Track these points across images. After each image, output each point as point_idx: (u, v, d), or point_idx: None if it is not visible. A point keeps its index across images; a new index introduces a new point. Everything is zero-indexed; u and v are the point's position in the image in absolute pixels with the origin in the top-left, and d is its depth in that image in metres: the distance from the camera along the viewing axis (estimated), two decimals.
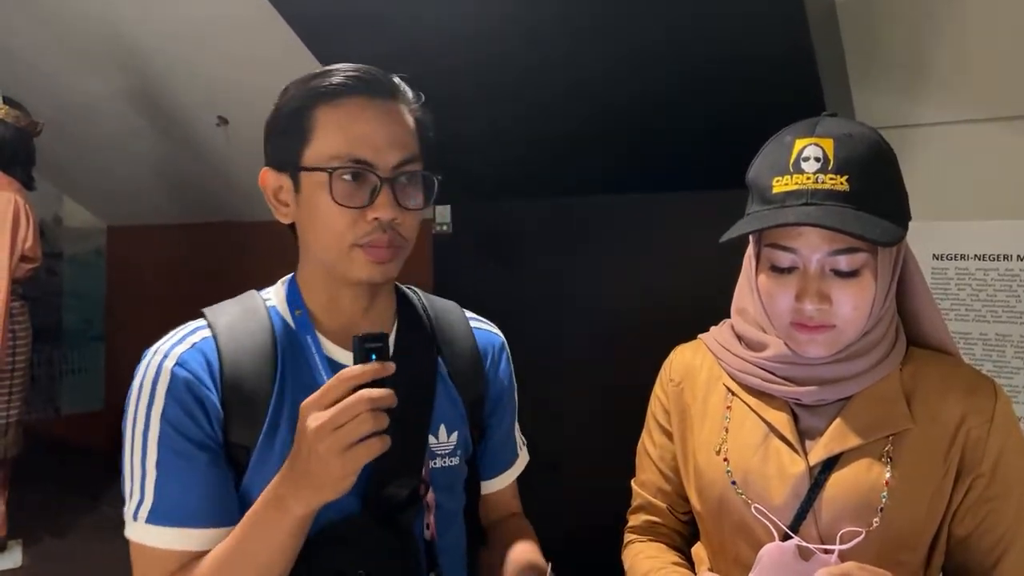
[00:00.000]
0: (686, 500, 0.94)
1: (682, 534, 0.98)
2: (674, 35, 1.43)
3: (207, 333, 0.80)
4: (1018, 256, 1.48)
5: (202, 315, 0.83)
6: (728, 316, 0.95)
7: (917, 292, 0.86)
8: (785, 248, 0.79)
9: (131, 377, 0.78)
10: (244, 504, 0.77)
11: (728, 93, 1.50)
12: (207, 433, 0.76)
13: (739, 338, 0.90)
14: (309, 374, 0.80)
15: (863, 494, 0.78)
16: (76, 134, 3.34)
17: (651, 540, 0.97)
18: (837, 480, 0.79)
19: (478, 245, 1.94)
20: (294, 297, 0.85)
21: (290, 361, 0.81)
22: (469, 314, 0.98)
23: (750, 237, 0.87)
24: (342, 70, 0.80)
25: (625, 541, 1.01)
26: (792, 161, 0.79)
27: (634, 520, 1.00)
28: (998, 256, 1.49)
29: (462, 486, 0.91)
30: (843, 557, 0.76)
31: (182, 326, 0.82)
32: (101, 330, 4.35)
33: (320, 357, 0.81)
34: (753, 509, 0.82)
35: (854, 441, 0.79)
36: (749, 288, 0.88)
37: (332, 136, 0.78)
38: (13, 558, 2.72)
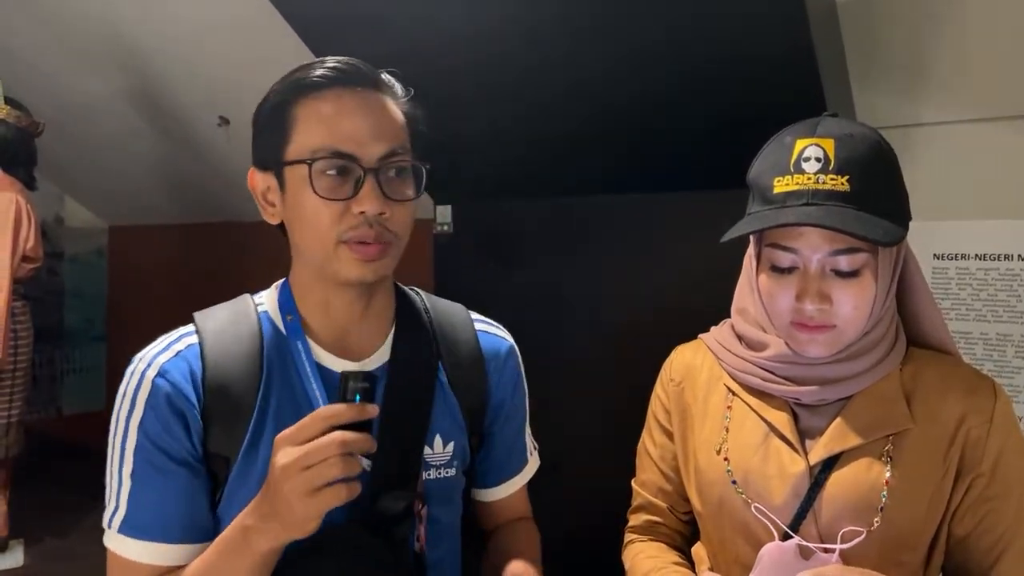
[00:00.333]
0: (686, 500, 0.94)
1: (682, 534, 0.98)
2: (674, 35, 1.43)
3: (193, 340, 0.78)
4: (1019, 256, 1.47)
5: (193, 320, 0.81)
6: (728, 316, 0.95)
7: (917, 292, 0.86)
8: (786, 248, 0.80)
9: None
10: (223, 516, 0.76)
11: (728, 93, 1.50)
12: (185, 447, 0.74)
13: (739, 338, 0.90)
14: (298, 382, 0.78)
15: (863, 494, 0.78)
16: (77, 134, 3.34)
17: (651, 540, 0.97)
18: (837, 479, 0.79)
19: (478, 245, 1.94)
20: (286, 301, 0.82)
21: (277, 369, 0.78)
22: (476, 317, 0.95)
23: (751, 237, 0.87)
24: (322, 63, 0.77)
25: (625, 541, 1.01)
26: (793, 161, 0.79)
27: (634, 520, 1.00)
28: (999, 256, 1.49)
29: (459, 497, 0.89)
30: (844, 556, 0.76)
31: (171, 332, 0.80)
32: (102, 330, 4.35)
33: (310, 364, 0.79)
34: (753, 509, 0.82)
35: (854, 441, 0.80)
36: (750, 288, 0.88)
37: (313, 129, 0.75)
38: (15, 558, 2.72)
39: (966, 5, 1.43)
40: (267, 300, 0.84)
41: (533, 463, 0.99)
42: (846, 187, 0.76)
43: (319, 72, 0.76)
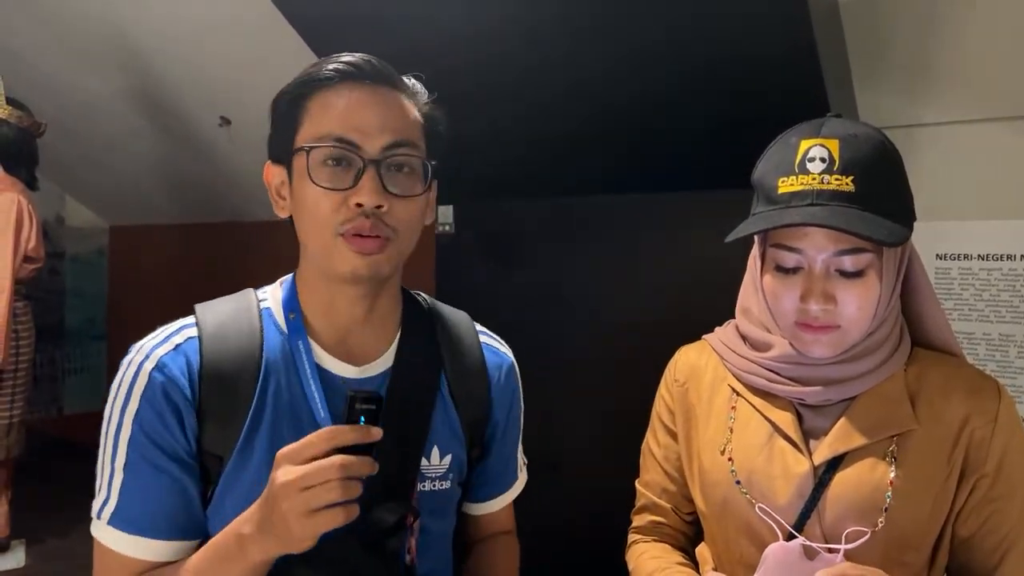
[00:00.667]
0: (690, 500, 0.94)
1: (686, 534, 0.98)
2: (674, 35, 1.43)
3: (193, 332, 0.77)
4: (1021, 256, 1.47)
5: (194, 312, 0.80)
6: (728, 314, 0.95)
7: (922, 292, 0.86)
8: (790, 248, 0.80)
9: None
10: (212, 515, 0.75)
11: (729, 93, 1.50)
12: (179, 443, 0.74)
13: (744, 338, 0.90)
14: (297, 384, 0.77)
15: (867, 494, 0.78)
16: (78, 134, 3.35)
17: (655, 540, 0.97)
18: (841, 480, 0.79)
19: (479, 245, 1.94)
20: (290, 299, 0.81)
21: (276, 369, 0.77)
22: (480, 328, 0.93)
23: (755, 237, 0.87)
24: (337, 58, 0.77)
25: (629, 541, 1.01)
26: (798, 162, 0.79)
27: (638, 520, 1.00)
28: (1002, 256, 1.49)
29: (454, 508, 0.88)
30: (848, 557, 0.76)
31: (171, 324, 0.79)
32: (103, 329, 4.36)
33: (310, 365, 0.78)
34: (757, 509, 0.82)
35: (859, 441, 0.79)
36: (754, 288, 0.88)
37: (319, 118, 0.74)
38: (16, 558, 2.72)
39: (969, 5, 1.43)
40: (271, 296, 0.83)
41: (522, 479, 0.99)
42: (851, 187, 0.77)
43: (333, 66, 0.76)
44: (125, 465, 0.73)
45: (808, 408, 0.84)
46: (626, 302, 1.72)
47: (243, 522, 0.69)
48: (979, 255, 1.51)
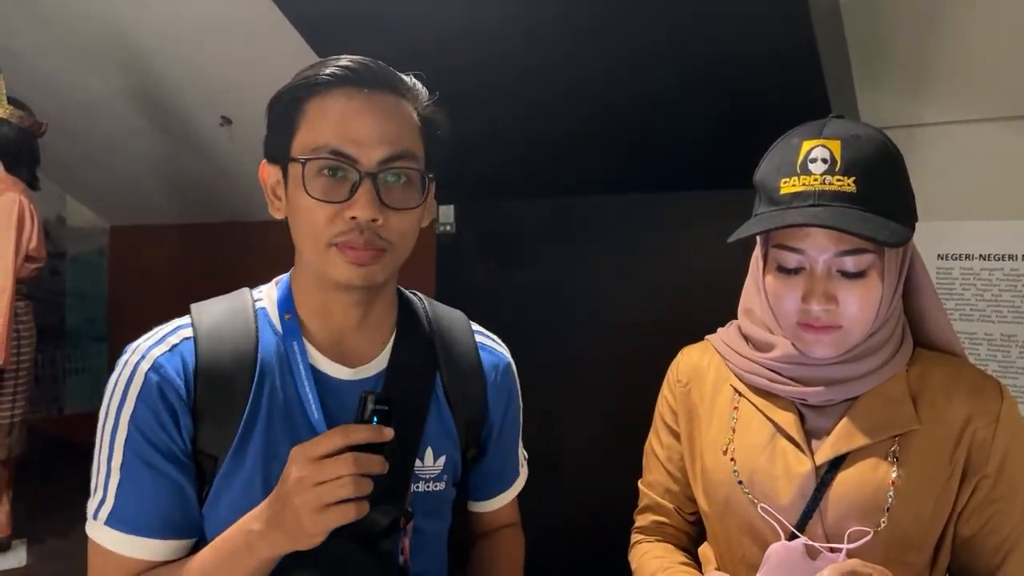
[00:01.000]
0: (693, 501, 0.94)
1: (689, 534, 0.98)
2: (674, 35, 1.43)
3: (188, 333, 0.77)
4: (1023, 256, 1.47)
5: (190, 312, 0.80)
6: (727, 314, 0.95)
7: (924, 292, 0.86)
8: (792, 249, 0.80)
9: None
10: (208, 514, 0.76)
11: (729, 93, 1.50)
12: (175, 443, 0.74)
13: (746, 339, 0.90)
14: (291, 385, 0.77)
15: (869, 494, 0.78)
16: (79, 134, 3.35)
17: (658, 540, 0.98)
18: (843, 480, 0.80)
19: (480, 245, 1.94)
20: (285, 300, 0.81)
21: (271, 370, 0.77)
22: (476, 328, 0.93)
23: (757, 238, 0.87)
24: (335, 61, 0.75)
25: (632, 541, 1.01)
26: (799, 162, 0.79)
27: (641, 520, 1.00)
28: (1003, 256, 1.49)
29: (449, 508, 0.88)
30: (850, 556, 0.76)
31: (167, 323, 0.79)
32: (104, 330, 4.37)
33: (304, 367, 0.78)
34: (759, 509, 0.82)
35: (861, 441, 0.80)
36: (756, 289, 0.88)
37: (317, 127, 0.73)
38: (17, 557, 2.72)
39: (970, 5, 1.43)
40: (266, 296, 0.83)
41: (524, 475, 0.99)
42: (852, 188, 0.77)
43: (331, 70, 0.74)
44: (121, 465, 0.74)
45: (810, 408, 0.84)
46: (626, 302, 1.72)
47: (252, 519, 0.70)
48: (980, 255, 1.51)
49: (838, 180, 0.77)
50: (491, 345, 0.93)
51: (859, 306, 0.78)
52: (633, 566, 0.98)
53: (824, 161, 0.78)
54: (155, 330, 0.79)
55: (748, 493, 0.84)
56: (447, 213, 1.96)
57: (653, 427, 1.00)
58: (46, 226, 3.77)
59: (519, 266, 1.87)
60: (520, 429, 0.97)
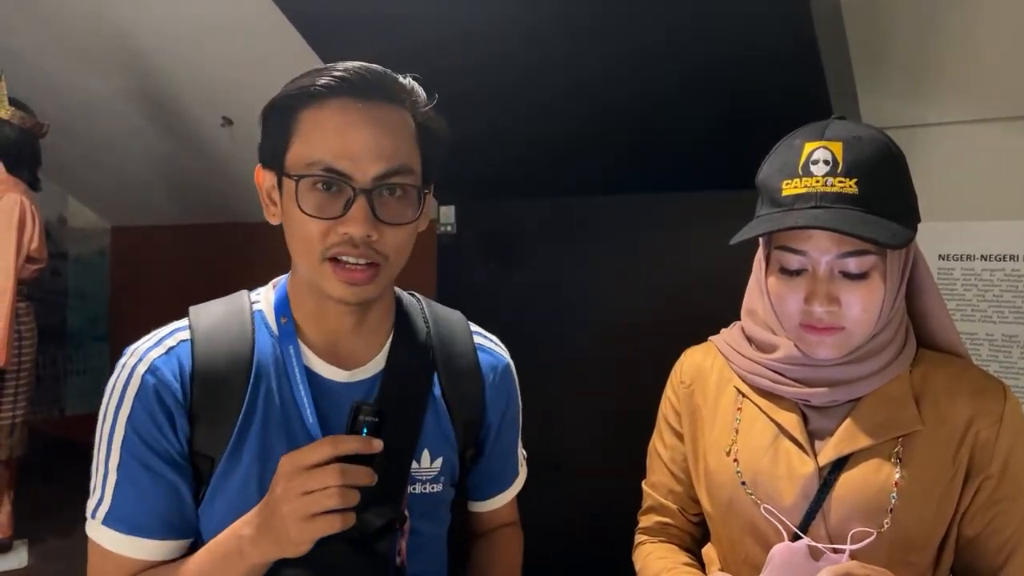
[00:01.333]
0: (696, 501, 0.95)
1: (693, 535, 0.99)
2: (674, 35, 1.43)
3: (186, 336, 0.78)
4: None
5: (188, 314, 0.81)
6: (728, 314, 0.95)
7: (927, 293, 0.86)
8: (794, 251, 0.80)
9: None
10: (203, 515, 0.76)
11: (729, 93, 1.50)
12: (171, 444, 0.75)
13: (749, 340, 0.91)
14: (287, 387, 0.78)
15: (872, 495, 0.78)
16: (80, 135, 3.35)
17: (662, 541, 0.98)
18: (847, 480, 0.80)
19: (480, 245, 1.94)
20: (282, 303, 0.81)
21: (267, 372, 0.78)
22: (475, 329, 0.93)
23: (760, 239, 0.87)
24: (332, 69, 0.74)
25: (636, 542, 1.01)
26: (801, 164, 0.79)
27: (645, 521, 1.01)
28: (1005, 256, 1.49)
29: (447, 509, 0.88)
30: (854, 557, 0.76)
31: (165, 326, 0.80)
32: (105, 330, 4.37)
33: (300, 370, 0.78)
34: (763, 509, 0.82)
35: (864, 442, 0.80)
36: (759, 290, 0.88)
37: (311, 140, 0.72)
38: (19, 558, 2.73)
39: (971, 5, 1.43)
40: (263, 299, 0.84)
41: (523, 475, 0.99)
42: (854, 190, 0.77)
43: (325, 80, 0.73)
44: (118, 466, 0.74)
45: (813, 409, 0.84)
46: (626, 302, 1.72)
47: (244, 524, 0.71)
48: (982, 255, 1.51)
49: (840, 182, 0.77)
50: (489, 346, 0.93)
51: (862, 307, 0.78)
52: (637, 567, 0.98)
53: (826, 163, 0.78)
54: (153, 333, 0.79)
55: (751, 494, 0.84)
56: (447, 213, 1.96)
57: (656, 428, 1.00)
58: (47, 227, 3.77)
59: (519, 266, 1.87)
60: (519, 429, 0.97)
